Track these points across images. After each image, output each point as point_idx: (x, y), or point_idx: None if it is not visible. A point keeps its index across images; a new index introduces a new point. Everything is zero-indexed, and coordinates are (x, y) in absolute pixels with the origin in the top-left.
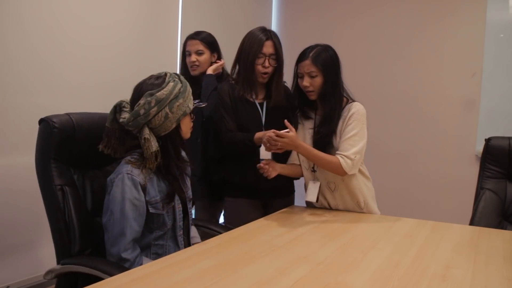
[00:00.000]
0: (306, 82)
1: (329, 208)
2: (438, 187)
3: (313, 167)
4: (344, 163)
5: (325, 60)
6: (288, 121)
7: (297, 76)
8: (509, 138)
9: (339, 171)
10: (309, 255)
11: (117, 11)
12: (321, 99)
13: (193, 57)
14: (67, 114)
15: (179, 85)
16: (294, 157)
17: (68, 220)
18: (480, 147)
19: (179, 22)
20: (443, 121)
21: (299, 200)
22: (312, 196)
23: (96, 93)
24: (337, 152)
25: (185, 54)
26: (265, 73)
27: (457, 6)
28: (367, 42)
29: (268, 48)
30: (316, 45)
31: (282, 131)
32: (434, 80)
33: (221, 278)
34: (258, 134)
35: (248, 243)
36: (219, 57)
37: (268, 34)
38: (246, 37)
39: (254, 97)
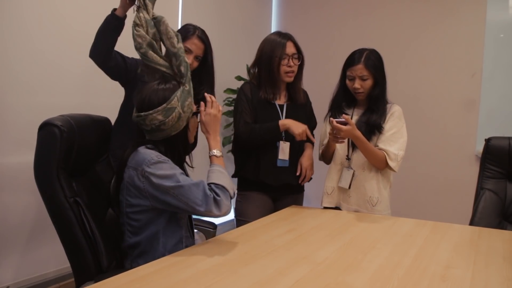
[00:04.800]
0: (357, 84)
1: (336, 208)
2: (438, 187)
3: (347, 155)
4: (388, 158)
5: (375, 63)
6: (304, 118)
7: (345, 78)
8: (509, 138)
9: (382, 164)
10: (309, 255)
11: None
12: (372, 99)
13: None
14: (64, 116)
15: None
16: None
17: (92, 234)
18: (480, 147)
19: (179, 23)
20: (443, 121)
21: (306, 201)
22: (345, 183)
23: (99, 91)
24: (380, 146)
25: None
26: (291, 72)
27: (457, 6)
28: (367, 43)
29: (290, 48)
30: (364, 49)
31: (338, 120)
32: (434, 80)
33: (221, 278)
34: (283, 121)
35: (248, 243)
36: None
37: (287, 35)
38: (264, 43)
39: (275, 99)
